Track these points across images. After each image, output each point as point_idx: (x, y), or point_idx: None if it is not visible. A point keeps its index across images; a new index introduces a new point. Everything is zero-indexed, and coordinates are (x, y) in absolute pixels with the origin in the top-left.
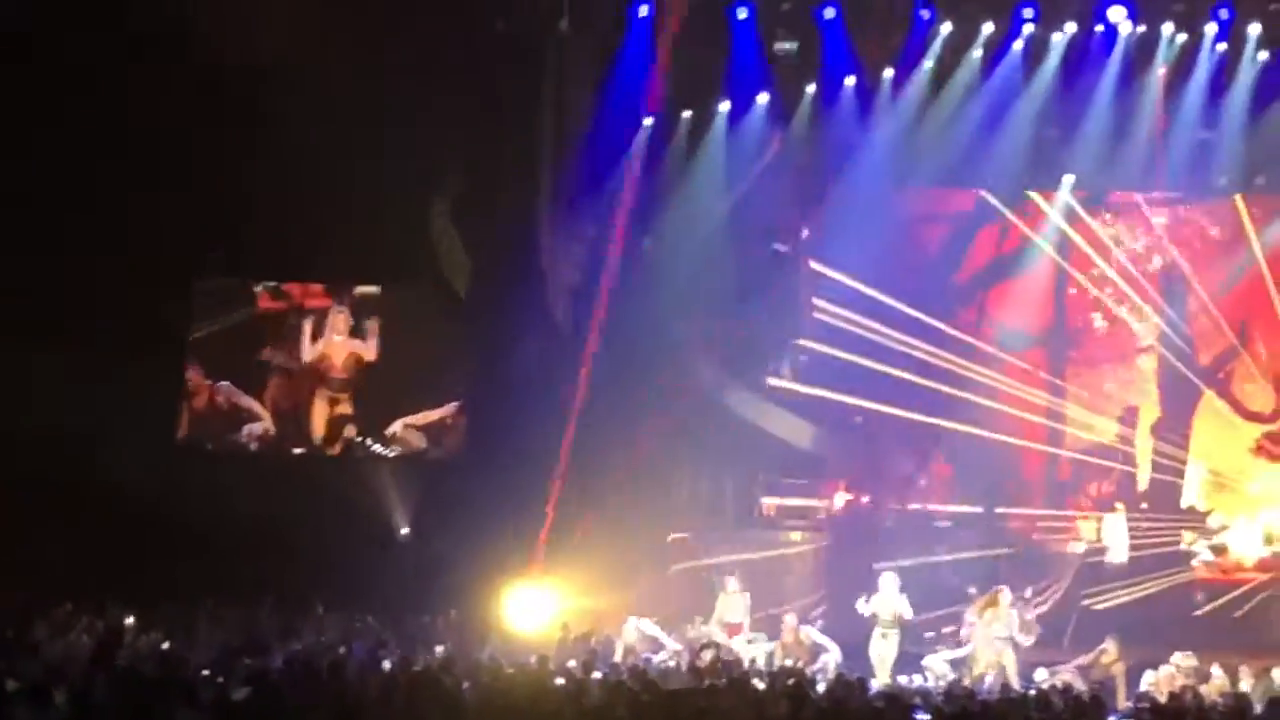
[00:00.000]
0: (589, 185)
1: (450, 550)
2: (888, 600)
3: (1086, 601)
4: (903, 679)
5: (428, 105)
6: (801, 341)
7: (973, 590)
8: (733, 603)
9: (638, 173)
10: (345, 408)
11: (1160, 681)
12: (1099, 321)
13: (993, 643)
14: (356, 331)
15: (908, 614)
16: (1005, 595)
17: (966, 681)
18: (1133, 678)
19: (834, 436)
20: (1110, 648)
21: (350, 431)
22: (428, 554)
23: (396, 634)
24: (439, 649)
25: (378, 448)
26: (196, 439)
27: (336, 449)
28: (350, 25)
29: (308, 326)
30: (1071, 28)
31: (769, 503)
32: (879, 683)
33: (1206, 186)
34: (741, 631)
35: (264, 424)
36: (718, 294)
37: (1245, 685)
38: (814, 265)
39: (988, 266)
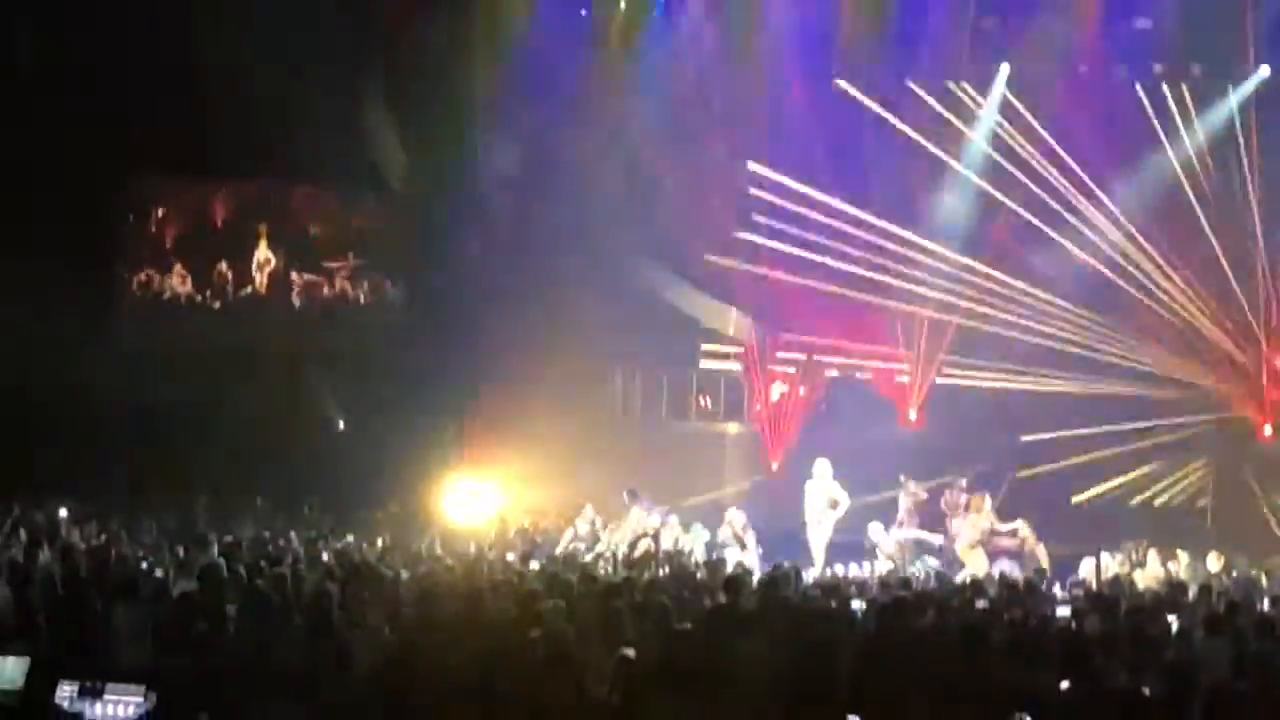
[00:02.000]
0: (526, 77)
1: (390, 443)
2: (822, 486)
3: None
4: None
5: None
6: (741, 235)
7: (903, 479)
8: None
9: (576, 64)
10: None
11: (1100, 568)
12: None
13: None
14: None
15: (844, 500)
16: (987, 500)
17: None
18: (1068, 565)
19: (771, 325)
20: (1022, 528)
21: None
22: (367, 446)
23: (335, 525)
24: (378, 540)
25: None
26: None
27: (264, 287)
28: None
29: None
30: None
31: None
32: (816, 571)
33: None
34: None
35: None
36: (654, 192)
37: (1180, 571)
38: (752, 166)
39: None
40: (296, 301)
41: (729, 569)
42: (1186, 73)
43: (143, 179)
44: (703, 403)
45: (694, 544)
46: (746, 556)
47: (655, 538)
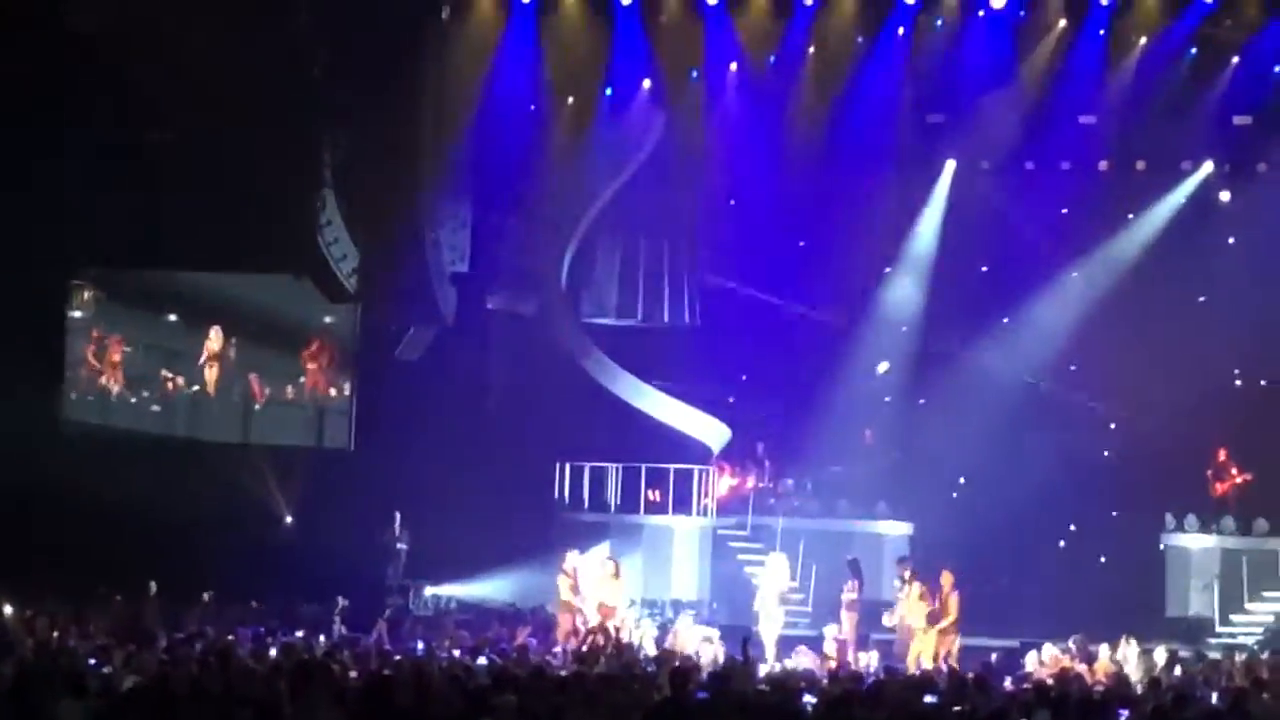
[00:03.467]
0: (473, 172)
1: (339, 539)
2: (776, 580)
3: None
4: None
5: (310, 98)
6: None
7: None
8: (609, 587)
9: (521, 159)
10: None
11: (1044, 662)
12: None
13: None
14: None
15: (794, 594)
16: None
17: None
18: (1016, 657)
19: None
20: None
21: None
22: (316, 543)
23: (284, 622)
24: (325, 637)
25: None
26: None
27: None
28: (226, 11)
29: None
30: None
31: (653, 493)
32: (767, 666)
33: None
34: (614, 615)
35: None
36: (604, 283)
37: (1129, 666)
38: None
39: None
40: (243, 397)
41: (677, 662)
42: (1131, 167)
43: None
44: (652, 496)
45: (644, 636)
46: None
47: (604, 631)
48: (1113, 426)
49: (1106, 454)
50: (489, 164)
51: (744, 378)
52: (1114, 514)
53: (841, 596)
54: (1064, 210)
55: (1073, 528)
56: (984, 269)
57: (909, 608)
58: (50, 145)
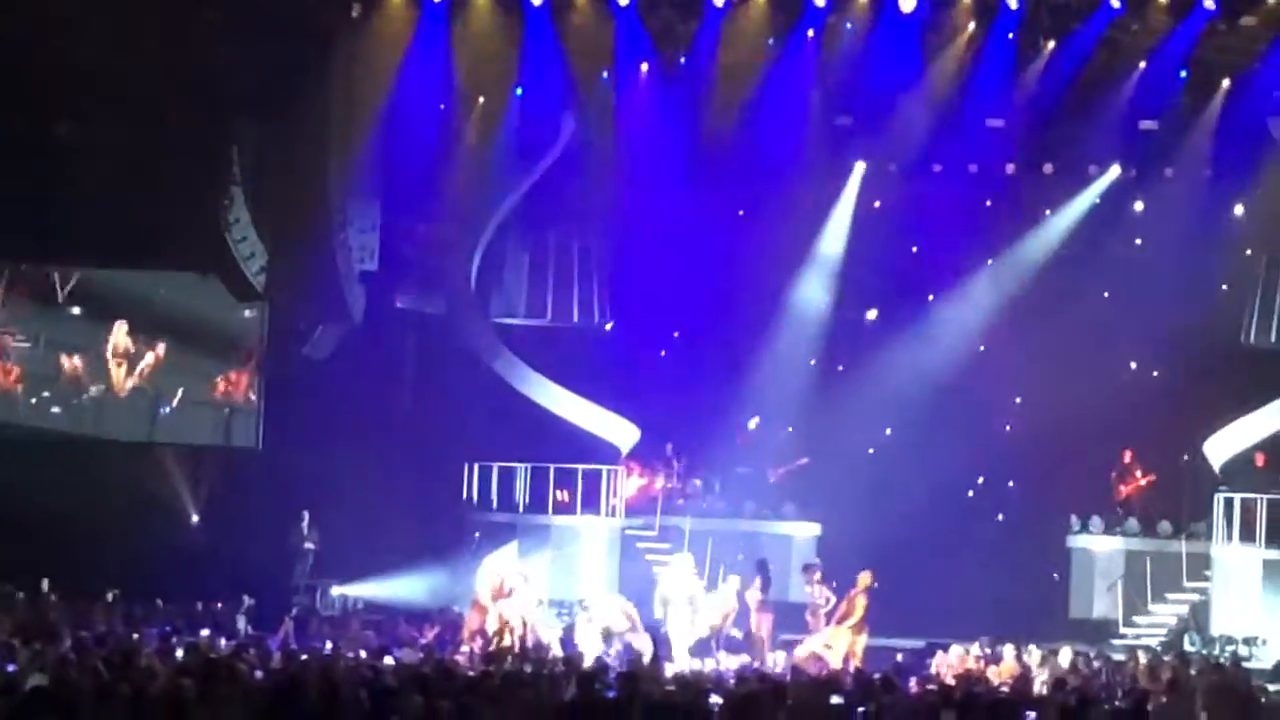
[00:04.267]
0: (382, 171)
1: (247, 539)
2: (680, 580)
3: None
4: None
5: (216, 94)
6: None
7: (814, 563)
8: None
9: (431, 159)
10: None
11: (950, 663)
12: None
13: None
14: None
15: (701, 595)
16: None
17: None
18: (922, 658)
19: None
20: None
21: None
22: (223, 542)
23: (190, 621)
24: (231, 636)
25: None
26: None
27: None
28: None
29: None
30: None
31: (561, 493)
32: (675, 666)
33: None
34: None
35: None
36: (513, 283)
37: (1033, 667)
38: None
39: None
40: (151, 393)
41: (586, 663)
42: (1039, 170)
43: None
44: (560, 496)
45: (551, 635)
46: (639, 639)
47: (511, 631)
48: (1009, 429)
49: (1013, 455)
50: (398, 163)
51: (652, 378)
52: (1019, 515)
53: (747, 596)
54: (972, 213)
55: (978, 528)
56: (892, 270)
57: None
58: None
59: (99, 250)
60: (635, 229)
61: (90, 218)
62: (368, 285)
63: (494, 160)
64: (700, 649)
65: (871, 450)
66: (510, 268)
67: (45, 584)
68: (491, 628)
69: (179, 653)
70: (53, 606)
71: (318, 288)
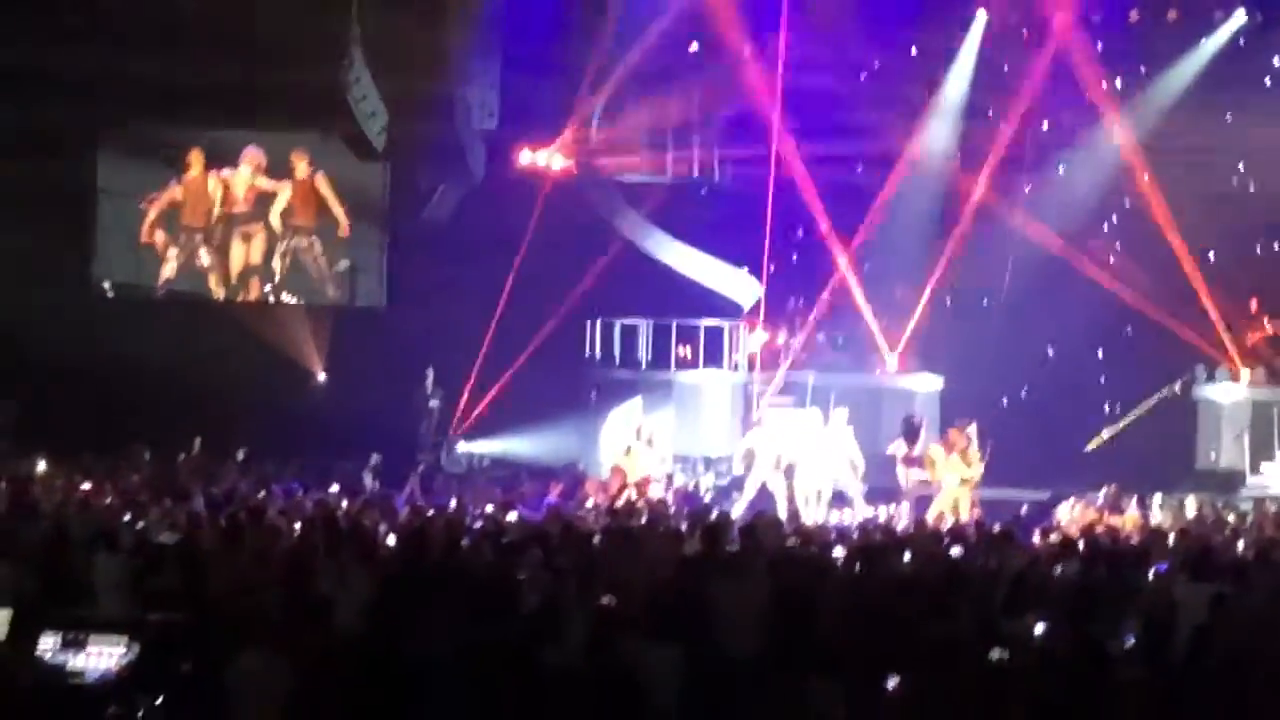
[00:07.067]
0: (502, 27)
1: (372, 397)
2: (775, 436)
3: None
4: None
5: None
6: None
7: (916, 418)
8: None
9: (551, 16)
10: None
11: (1074, 515)
12: None
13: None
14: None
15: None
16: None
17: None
18: (1044, 509)
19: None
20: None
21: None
22: (349, 401)
23: (317, 479)
24: (358, 493)
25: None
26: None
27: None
28: None
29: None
30: None
31: (683, 349)
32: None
33: None
34: (649, 485)
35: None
36: (632, 140)
37: (1157, 516)
38: None
39: None
40: (277, 259)
41: (712, 516)
42: (1163, 17)
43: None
44: (682, 352)
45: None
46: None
47: (639, 485)
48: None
49: (1137, 304)
50: (518, 18)
51: (772, 235)
52: (1143, 365)
53: (892, 449)
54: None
55: (1103, 380)
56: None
57: (938, 465)
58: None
59: (224, 112)
60: (758, 87)
61: (214, 81)
62: (488, 144)
63: (612, 17)
64: (836, 500)
65: (996, 305)
66: (630, 125)
67: (197, 443)
68: (615, 485)
69: (307, 508)
70: (184, 465)
71: (438, 146)
